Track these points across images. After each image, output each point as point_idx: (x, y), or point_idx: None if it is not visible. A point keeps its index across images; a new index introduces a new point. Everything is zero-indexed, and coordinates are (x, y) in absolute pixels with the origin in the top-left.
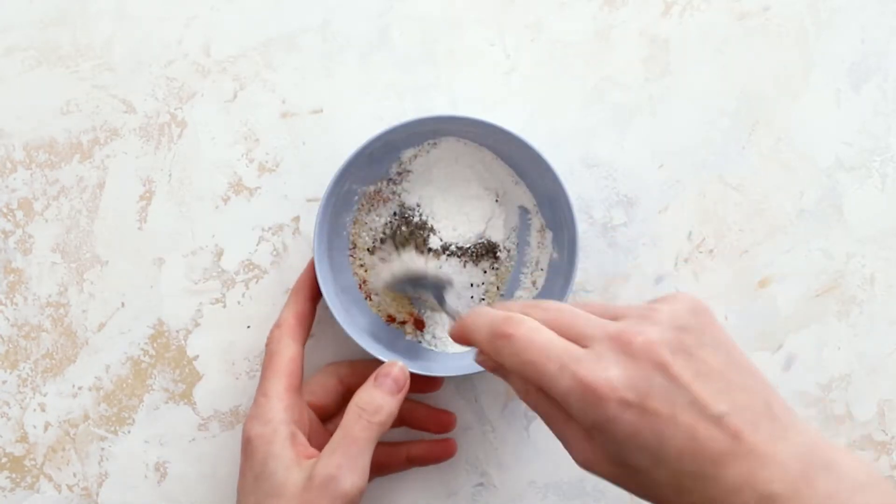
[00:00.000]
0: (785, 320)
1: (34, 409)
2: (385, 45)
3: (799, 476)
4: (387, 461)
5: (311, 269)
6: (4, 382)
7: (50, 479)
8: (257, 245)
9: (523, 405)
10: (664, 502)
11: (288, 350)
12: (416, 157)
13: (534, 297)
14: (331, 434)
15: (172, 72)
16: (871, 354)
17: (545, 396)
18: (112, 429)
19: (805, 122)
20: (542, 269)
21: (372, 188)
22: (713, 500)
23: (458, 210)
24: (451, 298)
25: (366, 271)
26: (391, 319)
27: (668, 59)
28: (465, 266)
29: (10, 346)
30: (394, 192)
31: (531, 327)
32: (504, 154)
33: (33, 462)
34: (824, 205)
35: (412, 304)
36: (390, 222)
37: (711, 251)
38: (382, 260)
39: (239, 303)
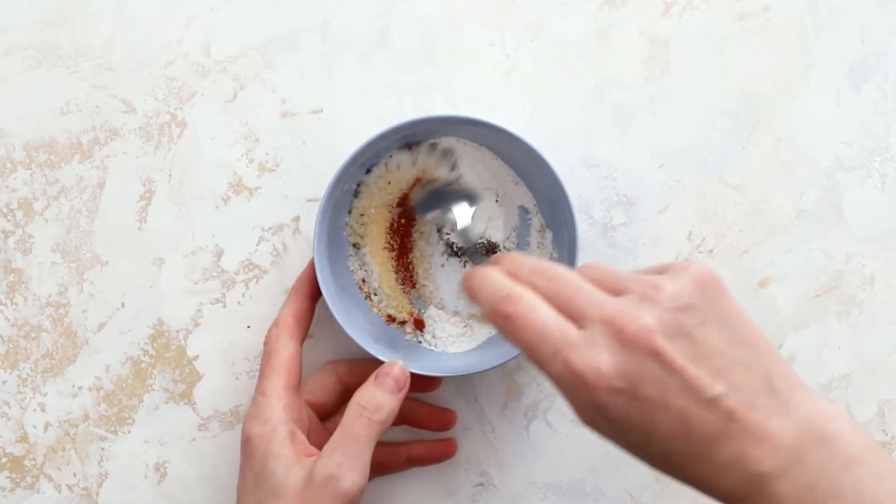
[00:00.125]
0: (785, 320)
1: (34, 409)
2: (385, 45)
3: (791, 452)
4: (387, 461)
5: (311, 268)
6: (4, 382)
7: (50, 479)
8: (257, 245)
9: (523, 405)
10: (660, 470)
11: (286, 349)
12: None
13: None
14: (330, 433)
15: (172, 72)
16: (871, 354)
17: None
18: (112, 429)
19: (805, 122)
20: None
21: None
22: (704, 477)
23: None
24: (472, 220)
25: (366, 271)
26: (391, 319)
27: (668, 59)
28: (464, 266)
29: (10, 346)
30: None
31: (529, 305)
32: (504, 154)
33: (33, 462)
34: (824, 205)
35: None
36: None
37: (711, 251)
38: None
39: (239, 303)
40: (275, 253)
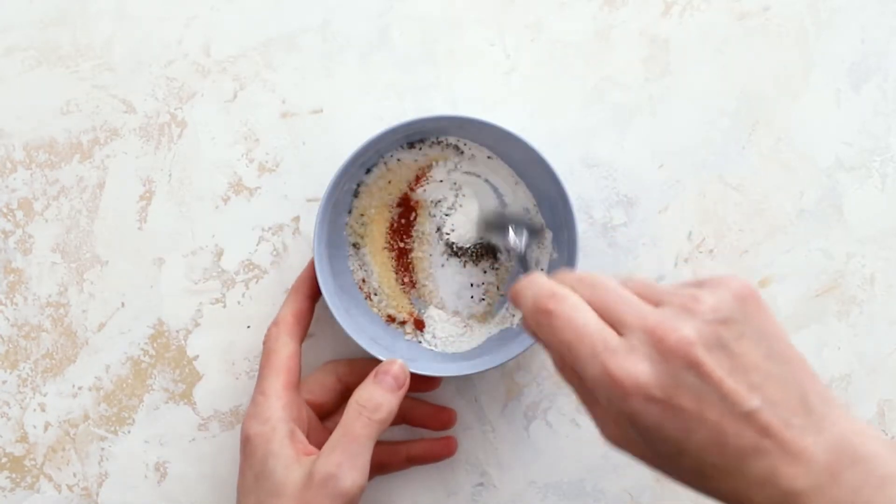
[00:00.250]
0: (785, 320)
1: (34, 409)
2: (385, 45)
3: (825, 471)
4: (387, 460)
5: (311, 268)
6: (4, 382)
7: (50, 479)
8: (257, 245)
9: (523, 405)
10: (689, 484)
11: (286, 348)
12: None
13: None
14: (329, 432)
15: (172, 72)
16: (871, 354)
17: (577, 376)
18: (112, 429)
19: (805, 122)
20: (542, 270)
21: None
22: (736, 493)
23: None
24: (532, 249)
25: (366, 271)
26: (391, 319)
27: (668, 59)
28: (464, 266)
29: (10, 346)
30: None
31: (573, 305)
32: (504, 154)
33: (33, 462)
34: (824, 205)
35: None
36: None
37: (711, 251)
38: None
39: (239, 303)
40: (275, 253)
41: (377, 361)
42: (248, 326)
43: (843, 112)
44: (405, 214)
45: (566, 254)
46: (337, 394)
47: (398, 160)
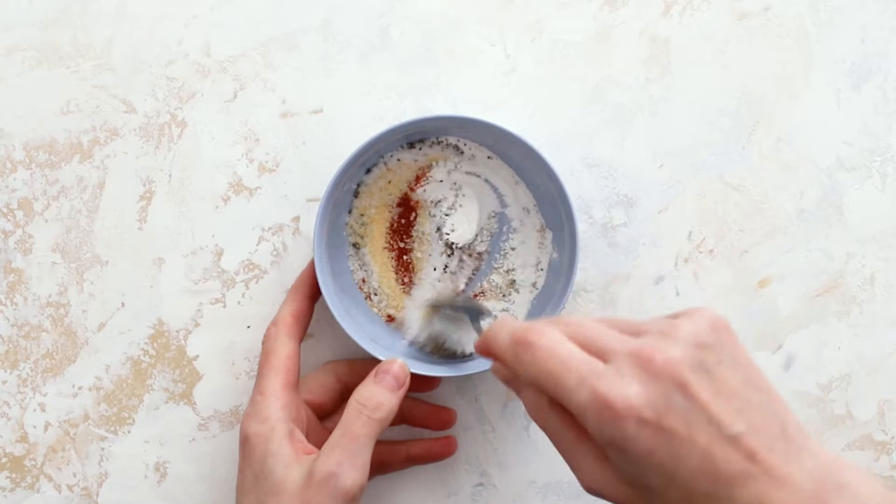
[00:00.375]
0: (785, 320)
1: (34, 409)
2: (385, 45)
3: (812, 498)
4: (387, 460)
5: (311, 268)
6: (4, 382)
7: (50, 479)
8: (257, 245)
9: (523, 406)
10: None
11: (284, 348)
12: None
13: (534, 298)
14: (328, 432)
15: (172, 72)
16: (871, 354)
17: (556, 414)
18: (112, 429)
19: (805, 122)
20: (542, 270)
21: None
22: None
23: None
24: (485, 324)
25: (366, 271)
26: (391, 319)
27: (669, 59)
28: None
29: (10, 346)
30: None
31: (553, 338)
32: (504, 154)
33: (33, 462)
34: (824, 205)
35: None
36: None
37: (711, 251)
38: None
39: (239, 303)
40: (275, 253)
41: (377, 361)
42: (248, 326)
43: (844, 112)
44: (405, 214)
45: (566, 254)
46: (336, 394)
47: (398, 160)
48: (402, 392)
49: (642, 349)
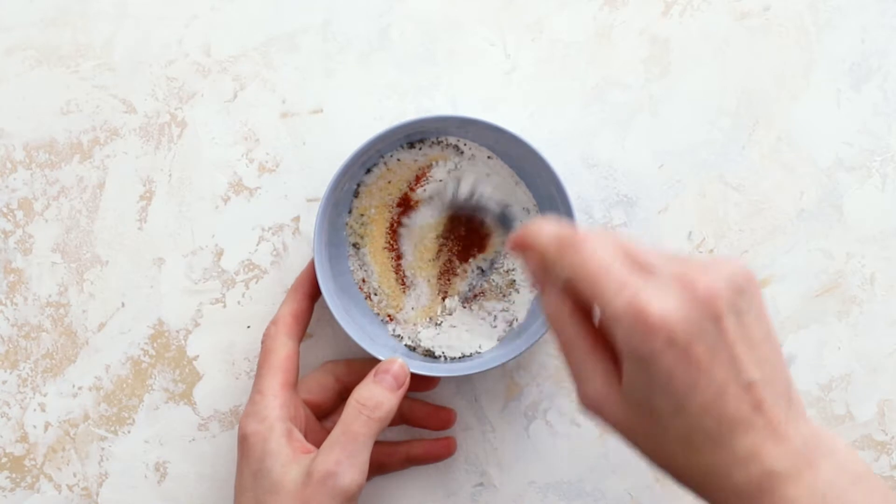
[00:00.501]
0: (785, 320)
1: (34, 409)
2: (385, 45)
3: (803, 458)
4: (386, 460)
5: (311, 267)
6: (4, 382)
7: (50, 479)
8: (257, 245)
9: (523, 405)
10: (665, 458)
11: (284, 347)
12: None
13: (534, 298)
14: (327, 432)
15: (172, 72)
16: (871, 354)
17: (576, 322)
18: (112, 429)
19: (805, 122)
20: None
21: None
22: (717, 465)
23: None
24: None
25: (366, 271)
26: (391, 319)
27: (669, 59)
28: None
29: (10, 346)
30: None
31: (601, 243)
32: (504, 154)
33: (33, 462)
34: (824, 205)
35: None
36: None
37: (711, 251)
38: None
39: (239, 303)
40: (275, 253)
41: (376, 362)
42: (248, 326)
43: (844, 112)
44: (405, 214)
45: None
46: (335, 393)
47: (398, 160)
48: (401, 392)
49: (686, 273)
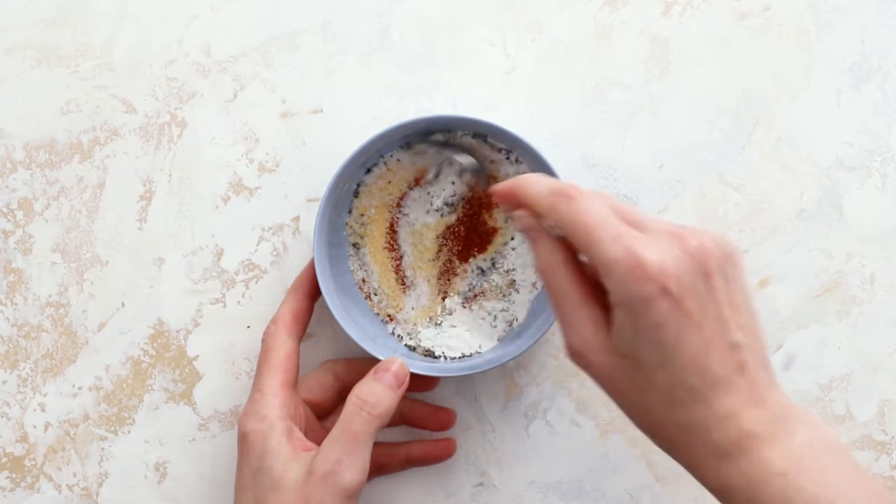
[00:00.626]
0: (785, 320)
1: (34, 409)
2: (385, 45)
3: (780, 423)
4: (386, 461)
5: (311, 267)
6: (4, 382)
7: (50, 479)
8: (257, 245)
9: (523, 405)
10: (645, 412)
11: (284, 346)
12: None
13: (534, 298)
14: (327, 431)
15: (172, 72)
16: (871, 354)
17: (568, 272)
18: (112, 429)
19: (805, 122)
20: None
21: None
22: (696, 422)
23: None
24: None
25: (366, 271)
26: (391, 319)
27: (669, 59)
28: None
29: (10, 346)
30: None
31: (595, 198)
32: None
33: (33, 462)
34: (824, 205)
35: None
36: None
37: None
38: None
39: (239, 303)
40: (275, 253)
41: (375, 361)
42: (248, 326)
43: (844, 112)
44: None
45: None
46: (335, 393)
47: (398, 160)
48: (401, 391)
49: (679, 230)
